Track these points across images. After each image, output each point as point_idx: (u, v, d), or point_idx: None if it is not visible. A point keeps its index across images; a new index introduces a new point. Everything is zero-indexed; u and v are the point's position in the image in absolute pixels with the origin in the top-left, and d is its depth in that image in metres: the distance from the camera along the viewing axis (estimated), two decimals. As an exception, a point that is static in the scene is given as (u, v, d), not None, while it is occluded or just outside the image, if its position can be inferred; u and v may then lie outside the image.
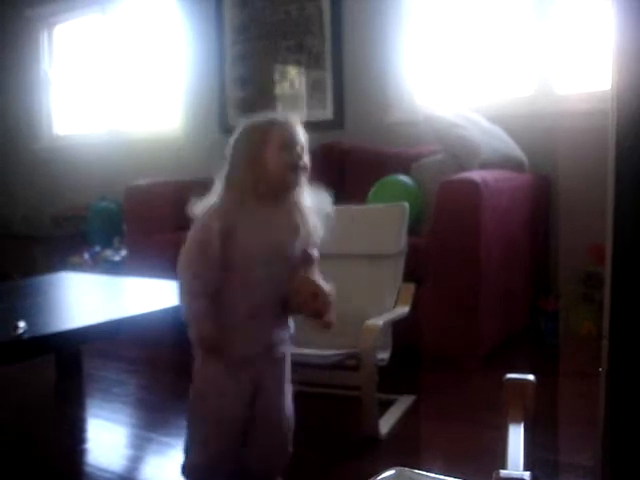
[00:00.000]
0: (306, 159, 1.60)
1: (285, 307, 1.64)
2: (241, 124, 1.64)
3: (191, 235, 1.61)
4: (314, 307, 1.58)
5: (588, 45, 3.42)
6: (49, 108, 5.93)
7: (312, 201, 1.65)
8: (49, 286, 2.84)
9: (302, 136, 1.61)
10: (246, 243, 1.56)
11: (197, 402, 1.68)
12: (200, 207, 1.61)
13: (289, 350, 1.72)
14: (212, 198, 1.62)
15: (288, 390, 1.71)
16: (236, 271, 1.57)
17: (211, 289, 1.57)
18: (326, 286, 1.60)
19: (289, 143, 1.58)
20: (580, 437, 1.99)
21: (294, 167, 1.58)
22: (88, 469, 2.05)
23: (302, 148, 1.60)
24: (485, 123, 3.36)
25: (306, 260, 1.66)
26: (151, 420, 2.45)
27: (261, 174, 1.57)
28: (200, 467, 1.66)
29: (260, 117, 1.63)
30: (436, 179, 2.95)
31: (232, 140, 1.63)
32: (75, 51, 5.77)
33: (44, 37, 5.88)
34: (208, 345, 1.59)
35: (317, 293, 1.58)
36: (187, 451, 1.69)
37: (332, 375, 2.30)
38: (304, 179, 1.62)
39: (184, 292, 1.60)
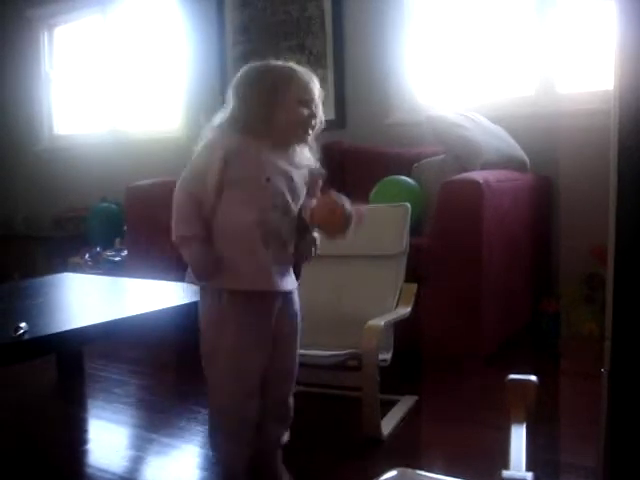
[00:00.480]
0: (320, 116, 1.59)
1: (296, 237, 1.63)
2: (256, 64, 1.61)
3: (192, 161, 1.58)
4: (335, 222, 1.58)
5: (590, 44, 3.42)
6: (50, 109, 5.93)
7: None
8: (50, 287, 2.83)
9: (318, 91, 1.60)
10: (250, 165, 1.54)
11: (219, 357, 1.62)
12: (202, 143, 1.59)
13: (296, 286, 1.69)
14: (214, 124, 1.61)
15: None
16: (245, 192, 1.54)
17: (205, 214, 1.55)
18: (343, 199, 1.58)
19: (307, 98, 1.57)
20: (582, 437, 1.99)
21: (308, 125, 1.57)
22: (89, 470, 2.05)
23: (317, 105, 1.59)
24: (487, 123, 3.36)
25: (315, 181, 1.65)
26: (152, 421, 2.44)
27: (275, 124, 1.55)
28: (224, 430, 1.64)
29: (279, 63, 1.61)
30: (438, 179, 2.95)
31: (243, 77, 1.61)
32: (76, 52, 5.77)
33: (45, 38, 5.88)
34: (205, 272, 1.56)
35: (336, 208, 1.56)
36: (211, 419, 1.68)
37: (334, 376, 2.29)
38: (313, 136, 1.61)
39: (178, 217, 1.58)
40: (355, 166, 3.75)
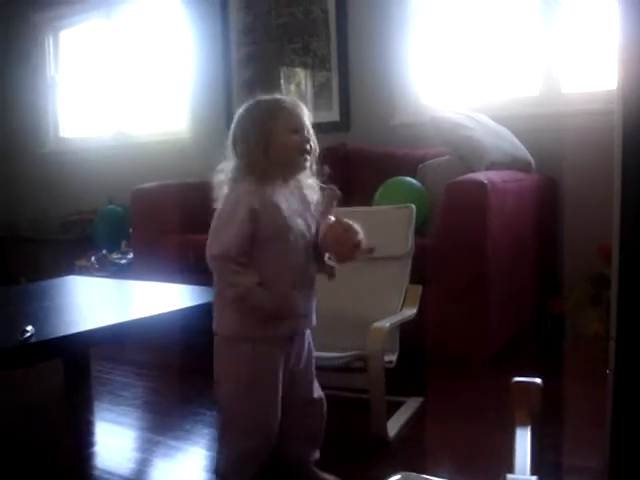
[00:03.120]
0: (313, 142, 1.63)
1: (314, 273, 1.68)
2: (246, 104, 1.66)
3: (221, 213, 1.60)
4: (346, 252, 1.63)
5: (594, 44, 3.41)
6: (55, 112, 5.95)
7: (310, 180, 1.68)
8: (56, 290, 2.84)
9: (308, 118, 1.64)
10: (273, 218, 1.58)
11: (237, 392, 1.64)
12: (219, 187, 1.63)
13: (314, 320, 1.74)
14: (228, 175, 1.63)
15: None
16: (272, 243, 1.58)
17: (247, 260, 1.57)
18: (354, 228, 1.62)
19: (298, 126, 1.61)
20: (588, 439, 1.98)
21: (303, 150, 1.61)
22: (96, 472, 2.05)
23: (309, 131, 1.63)
24: (491, 124, 3.36)
25: (329, 202, 1.68)
26: (159, 423, 2.45)
27: (273, 157, 1.59)
28: (239, 459, 1.66)
29: (266, 98, 1.67)
30: (443, 180, 2.94)
31: (239, 119, 1.65)
32: (81, 55, 5.79)
33: (50, 42, 5.90)
34: (271, 311, 1.59)
35: (347, 239, 1.61)
36: (222, 448, 1.70)
37: (339, 377, 2.29)
38: (311, 161, 1.64)
39: (226, 271, 1.58)
40: (360, 167, 3.75)
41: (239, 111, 1.67)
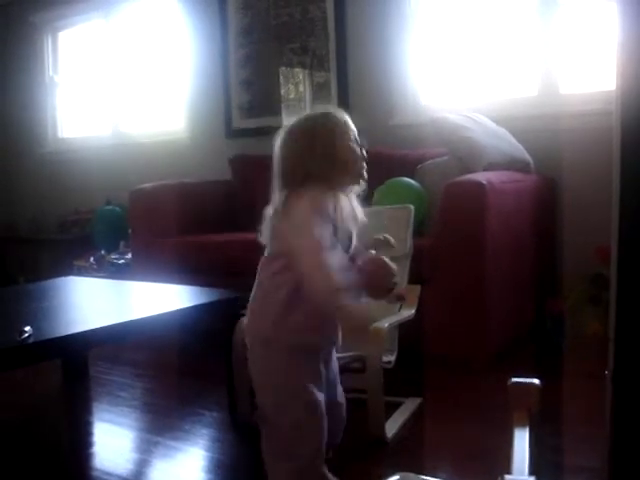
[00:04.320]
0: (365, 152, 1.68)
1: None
2: (299, 119, 1.65)
3: (309, 234, 1.54)
4: (381, 293, 1.64)
5: (592, 45, 3.41)
6: (54, 112, 5.95)
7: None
8: (55, 290, 2.84)
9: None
10: (345, 228, 1.61)
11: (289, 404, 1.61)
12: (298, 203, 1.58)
13: None
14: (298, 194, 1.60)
15: None
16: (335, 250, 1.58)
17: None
18: (392, 268, 1.63)
19: (354, 135, 1.67)
20: (586, 439, 1.98)
21: (364, 159, 1.66)
22: (94, 473, 2.05)
23: (359, 142, 1.68)
24: (490, 124, 3.36)
25: (379, 247, 1.72)
26: (158, 424, 2.45)
27: (341, 168, 1.61)
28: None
29: (316, 113, 1.68)
30: (441, 181, 2.94)
31: (297, 133, 1.63)
32: (79, 56, 5.79)
33: (48, 42, 5.90)
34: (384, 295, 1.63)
35: (385, 281, 1.62)
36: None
37: (338, 378, 2.29)
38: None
39: (328, 278, 1.50)
40: (359, 168, 3.75)
41: (292, 125, 1.65)
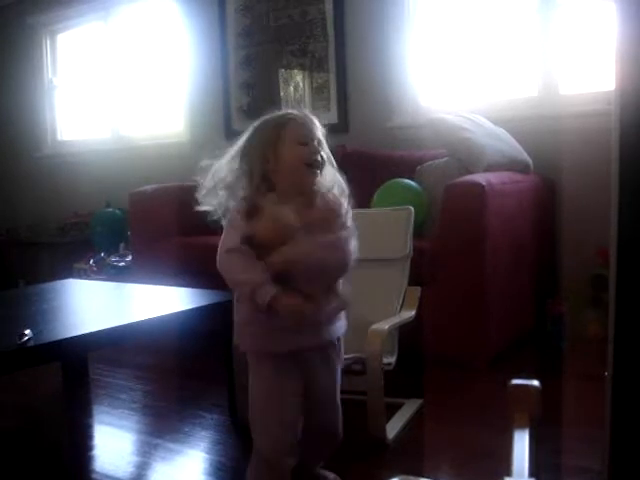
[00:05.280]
0: (324, 153, 1.58)
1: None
2: (256, 121, 1.62)
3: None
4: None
5: (592, 46, 3.41)
6: (53, 115, 5.94)
7: (332, 180, 1.64)
8: (54, 293, 2.84)
9: (319, 130, 1.59)
10: (273, 221, 1.53)
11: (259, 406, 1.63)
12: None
13: (341, 328, 1.70)
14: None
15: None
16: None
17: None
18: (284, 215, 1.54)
19: (305, 138, 1.56)
20: (586, 441, 1.98)
21: (310, 163, 1.56)
22: (95, 476, 2.05)
23: (319, 142, 1.58)
24: (489, 125, 3.36)
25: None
26: (158, 426, 2.44)
27: (279, 170, 1.55)
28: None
29: (275, 114, 1.62)
30: (441, 182, 2.95)
31: (248, 135, 1.61)
32: (78, 58, 5.79)
33: (47, 44, 5.90)
34: (293, 310, 1.52)
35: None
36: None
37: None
38: (320, 173, 1.59)
39: (231, 271, 1.56)
40: (358, 169, 3.73)
41: (247, 132, 1.63)
